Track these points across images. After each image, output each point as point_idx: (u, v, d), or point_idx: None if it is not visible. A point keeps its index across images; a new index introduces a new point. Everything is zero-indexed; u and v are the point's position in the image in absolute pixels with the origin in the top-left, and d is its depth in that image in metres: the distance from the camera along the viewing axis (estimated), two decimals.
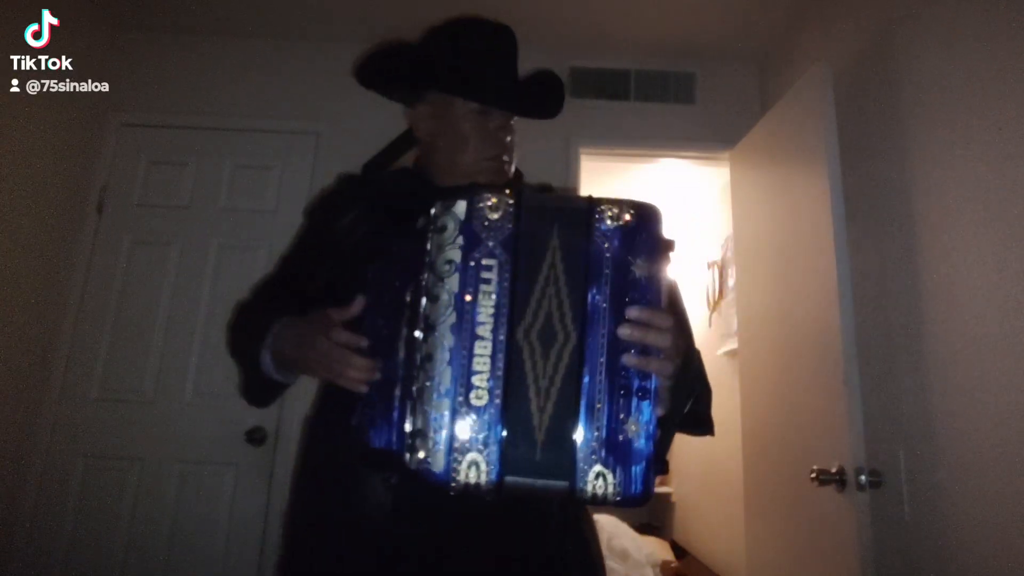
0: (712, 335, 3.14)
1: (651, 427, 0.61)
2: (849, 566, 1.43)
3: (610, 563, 2.78)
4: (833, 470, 1.49)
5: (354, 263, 0.75)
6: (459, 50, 0.97)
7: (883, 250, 1.66)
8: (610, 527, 3.01)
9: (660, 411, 0.63)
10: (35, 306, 2.10)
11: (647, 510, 3.81)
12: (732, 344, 2.63)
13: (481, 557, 0.79)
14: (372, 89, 1.03)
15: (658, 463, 0.62)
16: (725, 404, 2.71)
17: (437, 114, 0.97)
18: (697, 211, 3.55)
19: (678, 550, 3.31)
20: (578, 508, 0.89)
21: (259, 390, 0.91)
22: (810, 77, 1.74)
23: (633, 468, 0.60)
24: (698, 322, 3.32)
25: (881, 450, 1.56)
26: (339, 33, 2.46)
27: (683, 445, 3.58)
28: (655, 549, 3.07)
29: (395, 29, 1.06)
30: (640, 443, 0.61)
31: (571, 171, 2.41)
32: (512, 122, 0.97)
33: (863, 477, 1.44)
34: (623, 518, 3.16)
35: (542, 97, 1.02)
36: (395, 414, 0.65)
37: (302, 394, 0.95)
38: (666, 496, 3.66)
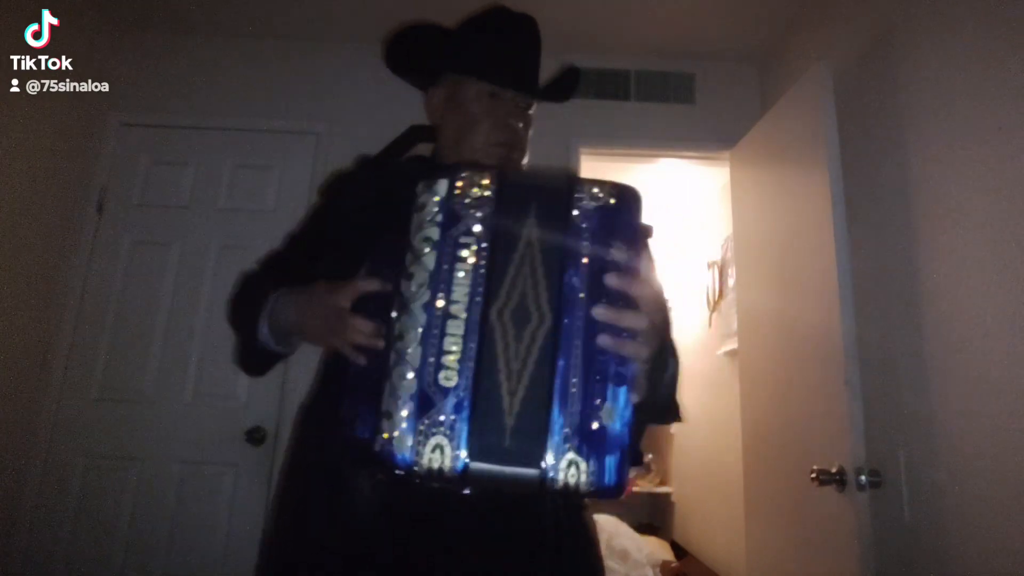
0: (712, 335, 3.14)
1: (627, 414, 0.58)
2: (849, 566, 1.43)
3: (610, 563, 2.78)
4: (833, 470, 1.49)
5: (354, 251, 0.75)
6: (477, 33, 0.98)
7: (883, 250, 1.66)
8: (610, 527, 3.01)
9: (636, 398, 0.60)
10: (35, 306, 2.10)
11: (647, 510, 3.81)
12: (732, 344, 2.63)
13: (469, 564, 0.76)
14: (395, 70, 1.04)
15: (632, 453, 0.59)
16: (725, 404, 2.72)
17: (450, 97, 0.97)
18: (697, 211, 3.55)
19: (678, 550, 3.31)
20: (576, 514, 0.86)
21: (254, 359, 0.91)
22: (810, 77, 1.74)
23: (607, 457, 0.57)
24: (698, 322, 3.32)
25: (881, 450, 1.56)
26: (339, 33, 2.46)
27: (683, 445, 3.58)
28: (655, 549, 3.07)
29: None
30: (615, 431, 0.57)
31: (571, 171, 2.41)
32: (530, 112, 0.97)
33: (863, 477, 1.44)
34: (623, 518, 3.16)
35: (553, 81, 1.02)
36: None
37: (302, 393, 0.95)
38: (666, 496, 3.66)
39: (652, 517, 3.80)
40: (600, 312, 0.60)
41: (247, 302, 0.89)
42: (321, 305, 0.73)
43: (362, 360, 0.67)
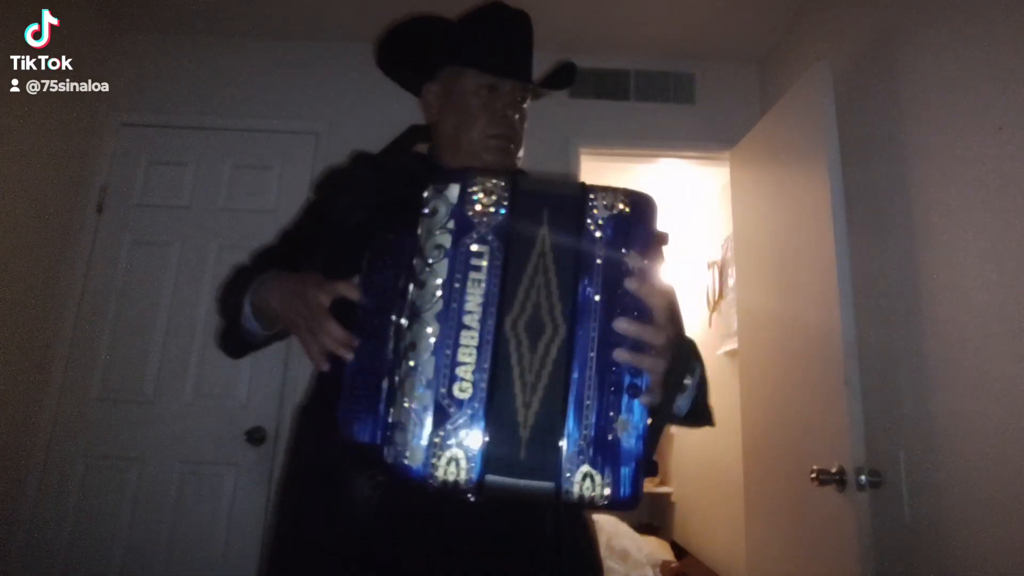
0: (712, 335, 3.14)
1: (641, 426, 0.58)
2: (849, 566, 1.43)
3: (610, 563, 2.78)
4: (833, 470, 1.49)
5: (349, 248, 0.74)
6: (476, 27, 0.98)
7: (883, 250, 1.66)
8: (610, 527, 3.01)
9: (649, 406, 0.60)
10: (35, 306, 2.10)
11: (647, 510, 3.81)
12: (732, 344, 2.63)
13: (469, 564, 0.76)
14: (388, 65, 1.04)
15: (647, 464, 0.59)
16: (725, 404, 2.72)
17: (447, 91, 0.98)
18: (697, 211, 3.55)
19: (678, 550, 3.31)
20: (576, 514, 0.85)
21: (234, 340, 0.90)
22: (810, 77, 1.74)
23: (622, 469, 0.57)
24: (698, 322, 3.32)
25: (881, 450, 1.56)
26: (339, 33, 2.46)
27: (683, 445, 3.58)
28: (655, 549, 3.07)
29: None
30: (630, 443, 0.57)
31: (571, 171, 2.41)
32: (525, 106, 0.98)
33: (863, 477, 1.44)
34: (623, 518, 3.16)
35: (550, 73, 1.02)
36: (381, 407, 0.61)
37: (302, 393, 0.94)
38: (666, 496, 3.66)
39: (652, 517, 3.80)
40: (620, 326, 0.59)
41: (234, 286, 0.88)
42: (301, 296, 0.72)
43: (326, 366, 0.66)
